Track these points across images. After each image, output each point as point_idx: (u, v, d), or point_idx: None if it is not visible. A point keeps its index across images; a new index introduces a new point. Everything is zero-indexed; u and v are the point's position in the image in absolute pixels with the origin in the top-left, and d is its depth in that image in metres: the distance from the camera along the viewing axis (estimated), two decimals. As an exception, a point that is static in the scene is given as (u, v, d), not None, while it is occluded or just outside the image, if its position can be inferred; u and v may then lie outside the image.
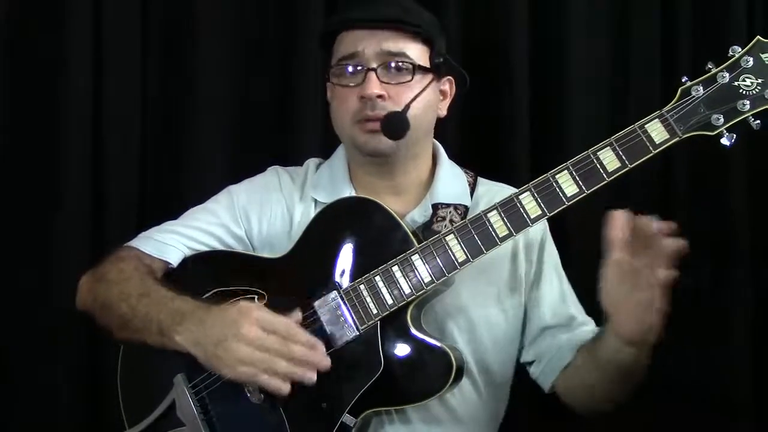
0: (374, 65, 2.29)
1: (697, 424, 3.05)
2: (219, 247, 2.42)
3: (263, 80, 3.19)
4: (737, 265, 3.05)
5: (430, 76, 2.35)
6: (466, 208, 2.40)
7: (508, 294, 2.41)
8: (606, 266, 2.03)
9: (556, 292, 2.44)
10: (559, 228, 2.46)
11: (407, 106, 2.27)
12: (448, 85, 2.47)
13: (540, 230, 2.44)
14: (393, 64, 2.31)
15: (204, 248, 2.42)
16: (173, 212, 2.51)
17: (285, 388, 2.12)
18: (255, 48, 3.20)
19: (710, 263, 3.07)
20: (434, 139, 2.50)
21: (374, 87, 2.28)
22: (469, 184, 2.48)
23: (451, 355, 2.16)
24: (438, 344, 2.18)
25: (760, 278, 3.06)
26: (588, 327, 2.41)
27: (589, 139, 3.00)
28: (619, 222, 1.99)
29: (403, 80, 2.31)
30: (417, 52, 2.33)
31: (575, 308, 2.44)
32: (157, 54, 3.17)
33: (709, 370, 3.07)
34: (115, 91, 3.11)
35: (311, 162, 2.57)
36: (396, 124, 2.27)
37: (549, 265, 2.45)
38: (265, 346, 2.09)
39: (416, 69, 2.31)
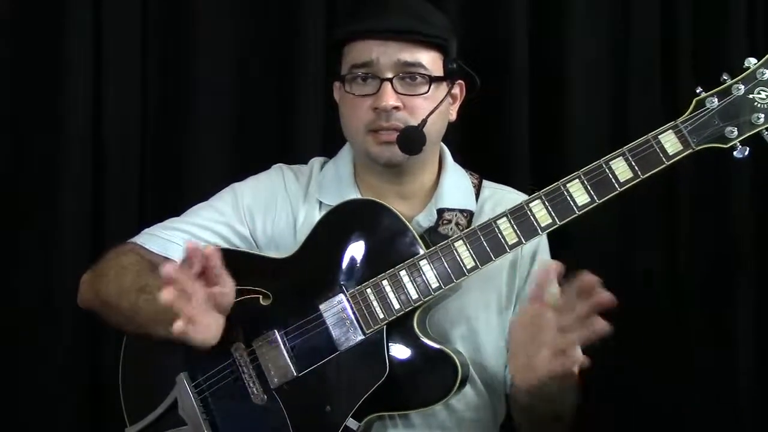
0: (389, 75, 2.27)
1: (697, 424, 3.09)
2: (223, 245, 2.39)
3: (263, 80, 3.18)
4: (740, 266, 3.06)
5: (444, 85, 2.35)
6: (471, 213, 2.40)
7: (507, 302, 2.40)
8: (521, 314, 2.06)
9: None
10: (559, 237, 2.44)
11: (424, 122, 2.26)
12: (458, 88, 2.44)
13: (535, 241, 2.41)
14: (409, 75, 2.29)
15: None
16: (173, 212, 2.51)
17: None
18: (255, 48, 3.19)
19: (713, 265, 3.09)
20: (440, 142, 2.48)
21: (390, 98, 2.25)
22: (474, 187, 2.48)
23: (457, 360, 2.16)
24: (443, 349, 2.18)
25: (763, 280, 3.07)
26: None
27: (589, 140, 3.06)
28: (552, 274, 1.96)
29: (420, 92, 2.29)
30: (431, 60, 2.31)
31: None
32: (157, 54, 3.16)
33: (711, 371, 3.09)
34: (116, 92, 3.10)
35: (316, 161, 2.55)
36: (412, 140, 2.26)
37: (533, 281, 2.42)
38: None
39: (432, 80, 2.30)
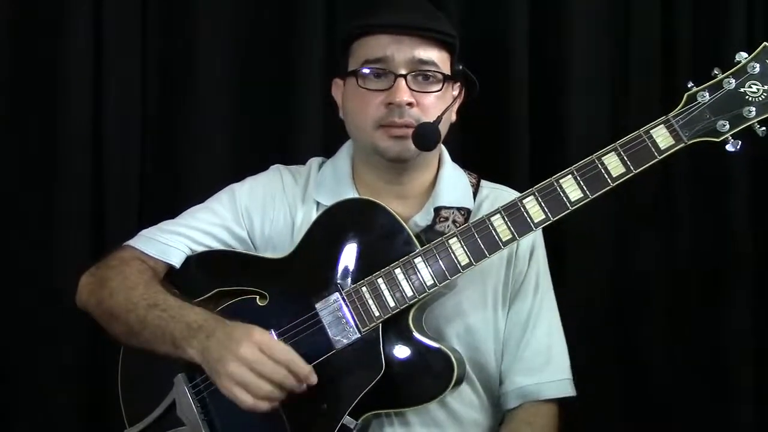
0: (403, 72, 2.27)
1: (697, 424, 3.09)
2: (221, 247, 2.41)
3: (263, 80, 3.18)
4: (738, 267, 3.05)
5: (453, 85, 2.36)
6: (469, 211, 2.40)
7: (504, 298, 2.40)
8: None
9: (524, 311, 2.42)
10: (556, 228, 2.43)
11: (439, 119, 2.27)
12: (458, 90, 2.45)
13: (531, 237, 2.39)
14: (422, 73, 2.29)
15: (206, 248, 2.41)
16: (173, 212, 2.50)
17: (262, 406, 2.13)
18: (255, 48, 3.19)
19: (711, 264, 3.09)
20: None
21: (404, 94, 2.26)
22: (472, 187, 2.48)
23: (452, 357, 2.16)
24: (439, 347, 2.18)
25: (760, 279, 3.06)
26: (515, 379, 2.41)
27: (589, 139, 3.06)
28: None
29: (433, 89, 2.30)
30: (442, 59, 2.32)
31: (525, 345, 2.41)
32: (157, 54, 3.16)
33: (707, 368, 3.08)
34: (115, 91, 3.11)
35: (314, 161, 2.56)
36: (428, 136, 2.26)
37: (530, 278, 2.43)
38: (260, 370, 2.09)
39: (445, 78, 2.31)
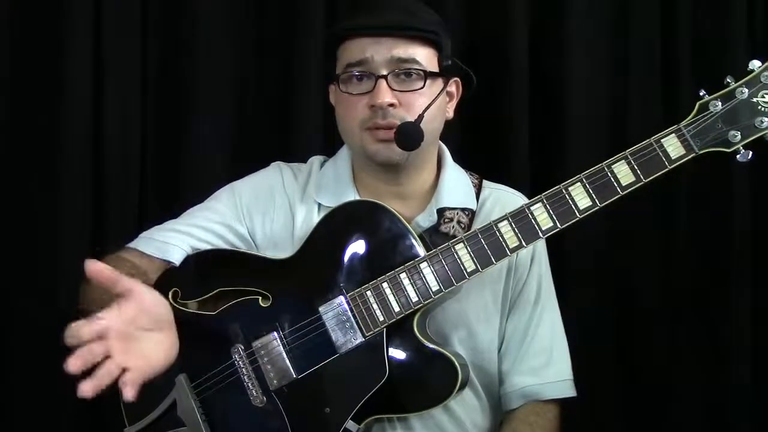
0: (384, 72, 2.26)
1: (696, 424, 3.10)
2: (222, 245, 2.40)
3: (263, 80, 3.18)
4: (737, 265, 3.06)
5: (440, 81, 2.33)
6: (473, 212, 2.39)
7: (504, 304, 2.40)
8: None
9: (525, 315, 2.42)
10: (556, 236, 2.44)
11: (420, 117, 2.25)
12: (454, 86, 2.43)
13: (531, 245, 2.38)
14: (403, 71, 2.27)
15: (207, 246, 2.39)
16: (173, 212, 2.49)
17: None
18: (255, 48, 3.19)
19: (710, 264, 3.10)
20: (439, 141, 2.47)
21: (385, 95, 2.24)
22: (474, 187, 2.47)
23: (456, 363, 2.16)
24: (443, 352, 2.18)
25: (759, 279, 3.07)
26: (516, 379, 2.40)
27: (589, 140, 3.06)
28: None
29: (415, 87, 2.28)
30: (426, 57, 2.30)
31: (527, 347, 2.41)
32: (157, 54, 3.16)
33: (706, 368, 3.09)
34: (115, 91, 3.10)
35: (316, 160, 2.55)
36: (410, 135, 2.24)
37: (531, 284, 2.43)
38: None
39: (427, 75, 2.29)
